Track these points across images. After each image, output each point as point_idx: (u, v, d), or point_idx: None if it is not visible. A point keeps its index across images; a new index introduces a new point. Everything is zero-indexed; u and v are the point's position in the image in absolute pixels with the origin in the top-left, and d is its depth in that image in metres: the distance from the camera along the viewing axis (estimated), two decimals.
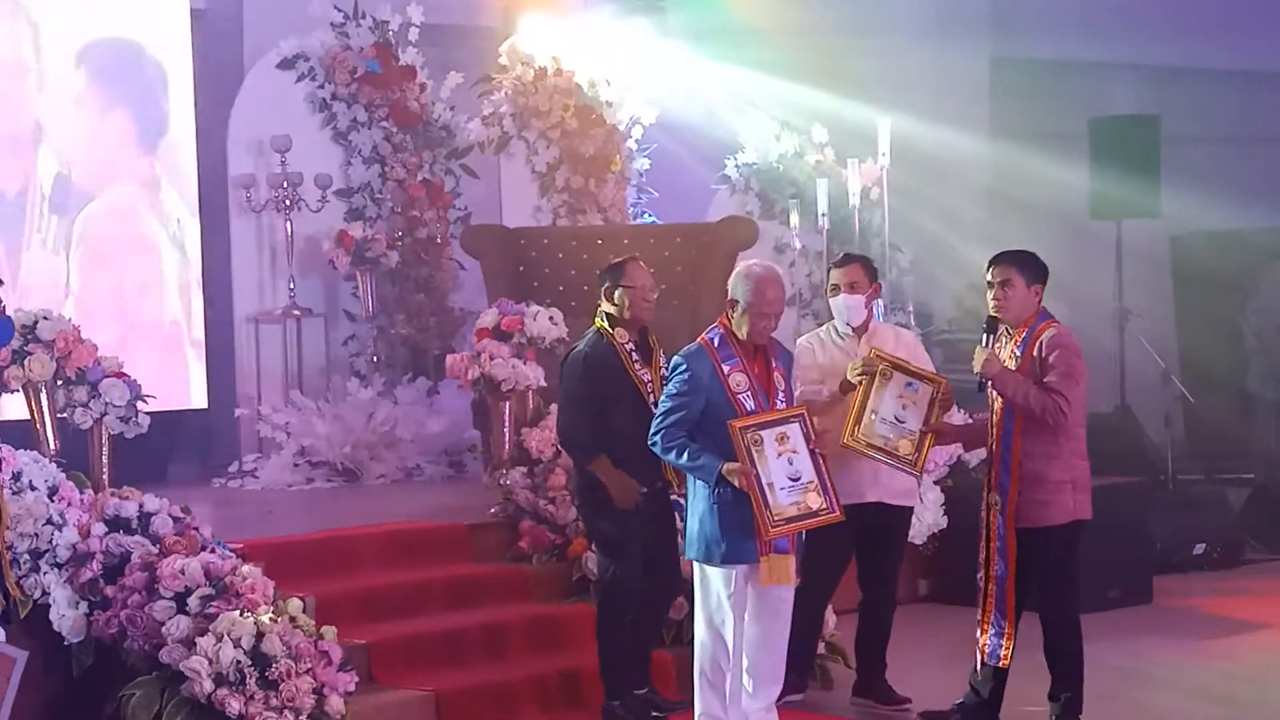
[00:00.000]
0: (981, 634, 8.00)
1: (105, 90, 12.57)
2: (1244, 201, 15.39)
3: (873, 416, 8.10)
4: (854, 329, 8.64)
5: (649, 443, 7.69)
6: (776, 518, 7.52)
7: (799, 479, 7.58)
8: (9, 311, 7.61)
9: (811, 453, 7.61)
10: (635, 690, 8.43)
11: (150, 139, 12.76)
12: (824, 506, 7.63)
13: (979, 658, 8.06)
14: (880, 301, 9.59)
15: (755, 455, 7.52)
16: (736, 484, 7.47)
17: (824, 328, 8.82)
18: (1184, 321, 16.28)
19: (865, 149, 12.91)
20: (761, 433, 7.56)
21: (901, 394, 8.15)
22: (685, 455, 7.57)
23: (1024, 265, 7.90)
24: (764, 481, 7.52)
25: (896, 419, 8.12)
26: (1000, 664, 7.96)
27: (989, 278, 7.93)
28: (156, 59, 12.79)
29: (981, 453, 9.00)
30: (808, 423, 7.65)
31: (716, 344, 7.69)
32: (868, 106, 13.08)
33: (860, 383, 8.23)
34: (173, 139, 12.80)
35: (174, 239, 12.75)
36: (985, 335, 7.91)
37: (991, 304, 7.93)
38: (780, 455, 7.58)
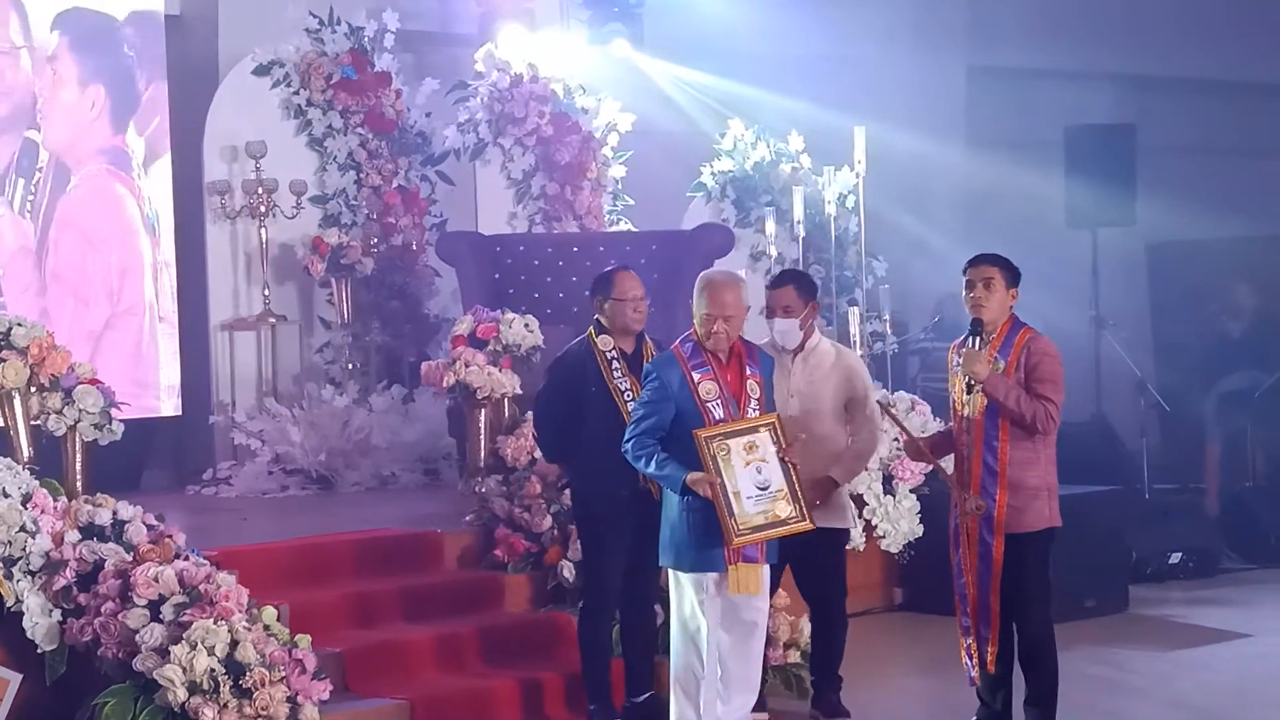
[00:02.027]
0: (970, 642, 7.96)
1: (81, 62, 12.58)
2: (1220, 211, 15.43)
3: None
4: (789, 350, 8.59)
5: (621, 450, 7.71)
6: (742, 526, 7.52)
7: (768, 488, 7.57)
8: None
9: (782, 461, 7.60)
10: (635, 698, 8.44)
11: (123, 116, 12.76)
12: (793, 515, 7.61)
13: (971, 667, 8.02)
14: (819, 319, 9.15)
15: (721, 464, 7.51)
16: (701, 493, 7.48)
17: (764, 343, 8.52)
18: (1160, 330, 16.32)
19: (841, 157, 12.91)
20: (729, 441, 7.55)
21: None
22: (653, 464, 7.60)
23: (1005, 266, 7.93)
24: (730, 490, 7.50)
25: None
26: (986, 669, 7.93)
27: (969, 277, 7.92)
28: (132, 37, 12.84)
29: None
30: (778, 430, 7.63)
31: (688, 352, 7.70)
32: (844, 115, 13.08)
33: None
34: (145, 117, 12.82)
35: (146, 220, 12.79)
36: (973, 338, 7.88)
37: (970, 304, 7.91)
38: (749, 464, 7.56)
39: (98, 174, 12.63)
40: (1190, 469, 14.63)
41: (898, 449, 11.01)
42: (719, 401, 7.62)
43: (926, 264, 14.49)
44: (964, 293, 7.95)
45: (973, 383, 7.80)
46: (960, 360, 7.90)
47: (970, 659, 8.00)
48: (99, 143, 12.65)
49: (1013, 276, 7.94)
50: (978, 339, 7.85)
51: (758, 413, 7.68)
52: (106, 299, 12.53)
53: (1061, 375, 7.83)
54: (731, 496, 7.51)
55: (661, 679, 8.20)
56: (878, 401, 8.75)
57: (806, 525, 7.69)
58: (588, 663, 8.38)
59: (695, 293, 7.73)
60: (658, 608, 8.58)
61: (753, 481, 7.55)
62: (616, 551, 8.21)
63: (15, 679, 6.65)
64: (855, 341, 12.32)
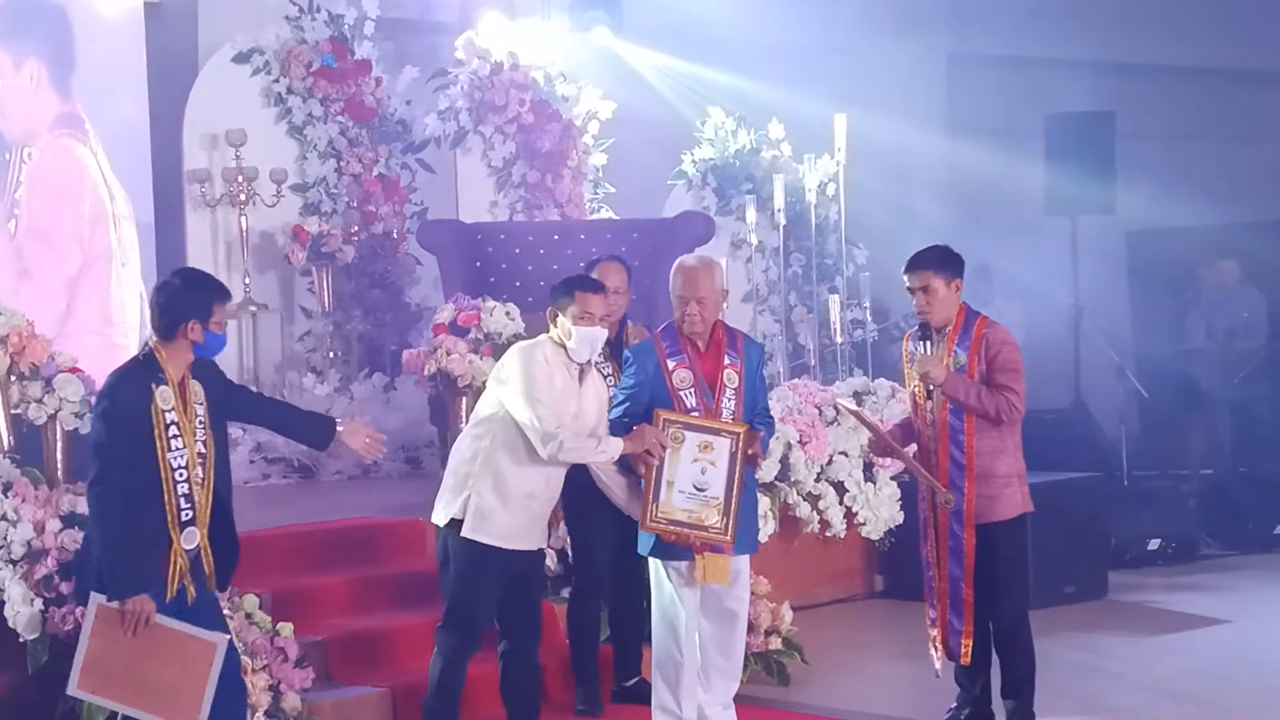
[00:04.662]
0: (939, 633, 7.97)
1: (12, 47, 12.58)
2: (1199, 197, 15.46)
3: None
4: None
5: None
6: (659, 515, 7.50)
7: (704, 490, 7.53)
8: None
9: (729, 474, 7.58)
10: (624, 682, 8.50)
11: (64, 79, 12.77)
12: (717, 526, 7.54)
13: (936, 659, 8.03)
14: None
15: (669, 451, 7.49)
16: (638, 470, 7.50)
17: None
18: (1139, 317, 16.35)
19: (822, 144, 12.91)
20: (687, 433, 7.53)
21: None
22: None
23: (940, 266, 7.86)
24: (664, 478, 7.50)
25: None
26: (961, 662, 7.93)
27: (908, 285, 7.89)
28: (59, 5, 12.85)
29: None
30: (739, 444, 7.60)
31: (665, 340, 7.72)
32: (824, 102, 13.08)
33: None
34: (83, 79, 12.83)
35: (104, 178, 12.82)
36: (924, 342, 7.85)
37: (916, 309, 7.90)
38: (695, 461, 7.53)
39: (58, 137, 12.69)
40: (1169, 455, 14.66)
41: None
42: (692, 390, 7.63)
43: (907, 251, 14.47)
44: (910, 298, 7.94)
45: (931, 387, 7.80)
46: (915, 351, 7.88)
47: (936, 650, 8.01)
48: (51, 113, 12.68)
49: (952, 270, 7.86)
50: (928, 343, 7.83)
51: (734, 402, 7.66)
52: (79, 247, 12.63)
53: (1021, 362, 7.82)
54: (664, 484, 7.50)
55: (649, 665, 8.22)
56: (841, 402, 8.70)
57: (726, 540, 7.56)
58: (575, 646, 8.42)
59: (670, 278, 7.76)
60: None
61: (691, 479, 7.52)
62: (605, 535, 8.23)
63: (223, 640, 6.59)
64: (836, 329, 12.33)
